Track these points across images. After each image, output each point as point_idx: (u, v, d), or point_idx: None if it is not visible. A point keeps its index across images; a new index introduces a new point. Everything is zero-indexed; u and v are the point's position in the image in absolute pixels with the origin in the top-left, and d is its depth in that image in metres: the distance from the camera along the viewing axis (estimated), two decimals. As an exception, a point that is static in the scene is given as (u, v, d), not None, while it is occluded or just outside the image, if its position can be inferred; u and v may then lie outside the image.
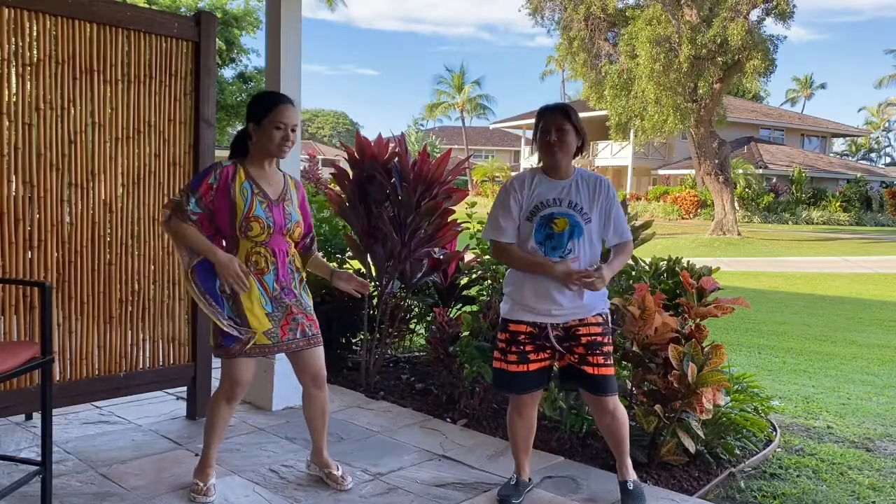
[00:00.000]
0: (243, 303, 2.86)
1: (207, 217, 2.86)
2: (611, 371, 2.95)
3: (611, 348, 2.98)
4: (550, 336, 2.92)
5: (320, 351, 3.09)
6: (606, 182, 3.00)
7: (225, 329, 2.83)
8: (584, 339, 2.91)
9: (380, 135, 4.72)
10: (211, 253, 2.80)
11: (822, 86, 62.79)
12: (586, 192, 2.93)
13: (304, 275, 3.08)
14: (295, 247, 3.04)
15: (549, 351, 2.96)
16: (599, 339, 2.93)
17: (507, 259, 3.00)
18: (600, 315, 2.97)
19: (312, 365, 3.06)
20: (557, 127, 2.88)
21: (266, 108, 2.86)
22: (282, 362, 4.15)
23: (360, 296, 3.20)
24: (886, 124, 62.07)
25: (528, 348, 2.94)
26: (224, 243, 2.89)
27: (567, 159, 2.93)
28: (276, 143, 2.86)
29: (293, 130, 2.90)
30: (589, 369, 2.91)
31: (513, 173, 47.30)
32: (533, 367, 2.96)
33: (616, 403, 2.99)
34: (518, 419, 3.08)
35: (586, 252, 2.91)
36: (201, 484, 3.01)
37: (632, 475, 3.08)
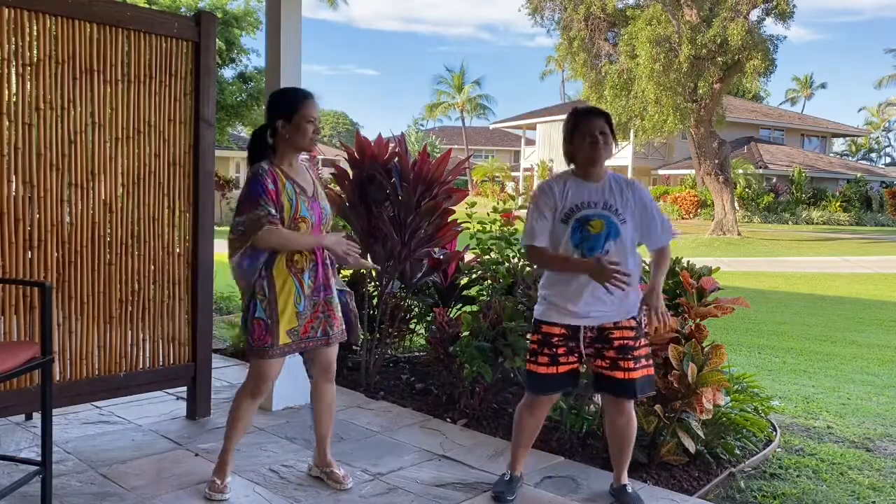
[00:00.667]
0: (279, 303, 2.86)
1: None
2: (639, 374, 2.92)
3: (645, 350, 2.97)
4: (580, 338, 2.90)
5: (336, 347, 3.11)
6: (638, 183, 3.01)
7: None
8: (616, 343, 2.90)
9: (380, 135, 4.72)
10: (317, 241, 2.88)
11: (823, 85, 62.78)
12: (619, 193, 2.92)
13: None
14: None
15: (578, 355, 2.95)
16: (631, 343, 2.91)
17: (542, 261, 2.99)
18: (634, 318, 2.94)
19: (325, 359, 3.10)
20: (600, 130, 2.88)
21: (295, 103, 2.88)
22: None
23: (363, 267, 3.15)
24: (886, 124, 62.06)
25: (560, 350, 2.93)
26: (261, 252, 2.87)
27: (603, 162, 2.93)
28: (308, 137, 2.89)
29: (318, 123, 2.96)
30: (619, 374, 2.90)
31: (513, 173, 47.16)
32: (562, 369, 2.95)
33: (632, 407, 3.01)
34: (529, 416, 3.07)
35: (624, 253, 2.89)
36: (219, 482, 3.03)
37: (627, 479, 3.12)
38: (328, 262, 3.00)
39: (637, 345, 2.93)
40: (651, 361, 3.01)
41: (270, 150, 2.92)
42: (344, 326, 3.08)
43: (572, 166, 2.99)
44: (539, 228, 2.91)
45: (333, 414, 3.20)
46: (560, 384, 3.00)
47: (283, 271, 2.87)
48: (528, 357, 3.03)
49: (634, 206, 2.92)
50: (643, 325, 2.97)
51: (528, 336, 3.05)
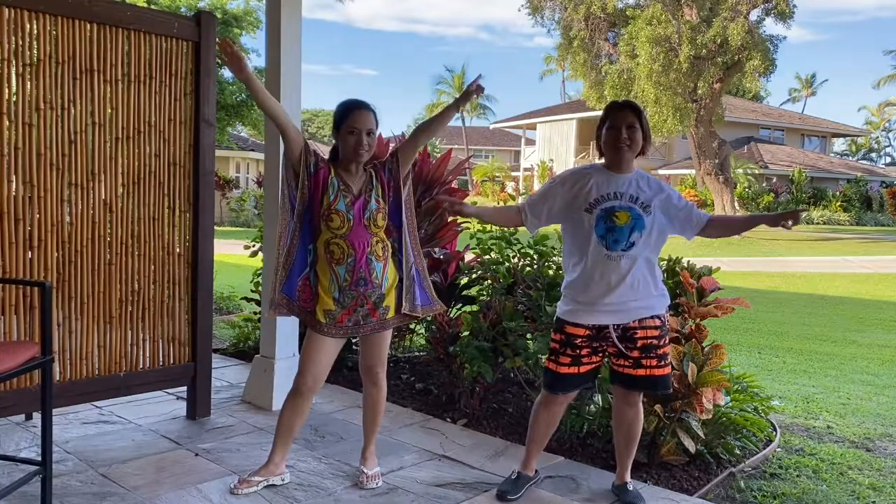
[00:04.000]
0: (320, 284, 2.95)
1: (295, 209, 2.94)
2: (662, 372, 2.94)
3: (667, 349, 2.97)
4: (613, 336, 2.89)
5: (378, 340, 3.10)
6: (666, 184, 3.03)
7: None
8: (639, 343, 2.90)
9: (380, 134, 4.72)
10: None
11: (823, 83, 62.76)
12: (647, 188, 2.92)
13: (399, 268, 3.06)
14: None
15: (601, 354, 2.95)
16: (655, 342, 2.91)
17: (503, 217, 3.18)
18: (658, 318, 2.93)
19: (367, 357, 3.14)
20: (628, 124, 2.88)
21: (341, 115, 2.95)
22: (282, 362, 4.16)
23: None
24: (886, 124, 62.06)
25: (583, 352, 2.92)
26: (308, 230, 2.96)
27: (632, 157, 2.93)
28: (350, 147, 2.92)
29: (369, 134, 2.93)
30: (641, 371, 2.91)
31: (513, 173, 47.08)
32: (584, 369, 2.95)
33: (640, 401, 3.03)
34: (545, 413, 3.07)
35: (649, 246, 2.88)
36: (255, 479, 3.09)
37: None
38: (371, 257, 2.95)
39: (661, 343, 2.92)
40: (669, 360, 3.00)
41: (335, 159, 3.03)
42: (380, 323, 3.05)
43: (603, 160, 3.00)
44: (537, 205, 2.99)
45: (377, 417, 3.22)
46: (580, 382, 3.00)
47: (323, 263, 2.95)
48: (548, 355, 3.01)
49: (663, 203, 2.92)
50: (666, 323, 2.97)
51: (552, 336, 3.01)
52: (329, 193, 2.91)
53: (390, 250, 3.04)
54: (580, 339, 2.90)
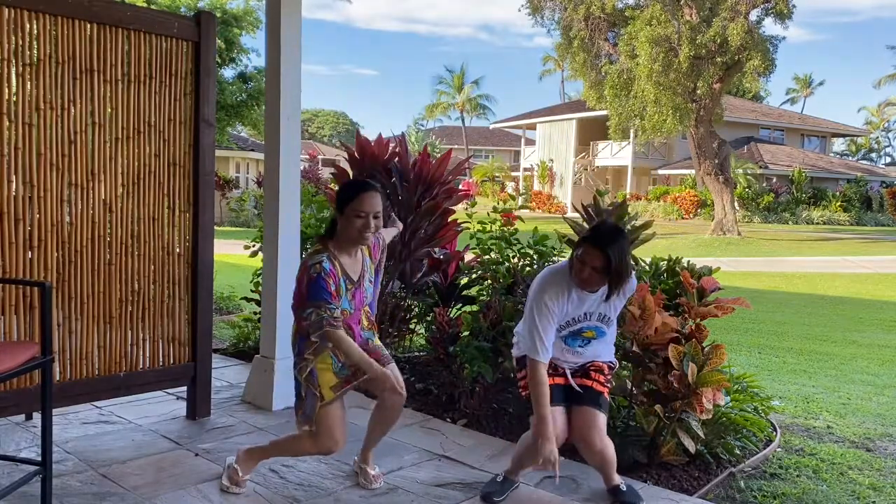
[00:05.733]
0: (319, 375, 2.95)
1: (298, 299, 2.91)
2: (606, 391, 3.10)
3: (609, 388, 3.15)
4: (567, 373, 3.09)
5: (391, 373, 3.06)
6: (632, 287, 3.09)
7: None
8: (591, 370, 3.10)
9: (380, 134, 4.73)
10: (368, 365, 2.85)
11: (822, 83, 62.79)
12: (614, 301, 3.03)
13: (375, 332, 3.20)
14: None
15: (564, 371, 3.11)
16: (605, 372, 3.12)
17: (532, 377, 2.94)
18: (607, 364, 3.15)
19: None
20: (593, 266, 2.85)
21: (348, 196, 2.87)
22: (281, 362, 4.16)
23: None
24: (886, 124, 62.06)
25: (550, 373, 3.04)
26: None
27: (601, 285, 2.95)
28: (356, 229, 2.86)
29: (376, 217, 2.88)
30: (589, 382, 3.07)
31: (513, 173, 47.03)
32: (560, 380, 3.07)
33: (605, 432, 3.07)
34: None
35: (605, 342, 3.12)
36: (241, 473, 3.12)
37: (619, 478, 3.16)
38: (363, 335, 3.08)
39: (609, 376, 3.14)
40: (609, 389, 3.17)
41: (333, 234, 2.96)
42: (387, 359, 3.10)
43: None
44: (547, 345, 2.93)
45: (394, 421, 3.17)
46: (560, 392, 3.05)
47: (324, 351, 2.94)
48: (522, 389, 3.11)
49: (620, 303, 3.10)
50: (615, 368, 3.23)
51: (518, 374, 3.14)
52: (339, 295, 2.88)
53: (368, 316, 3.15)
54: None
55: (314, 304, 2.81)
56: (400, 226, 3.53)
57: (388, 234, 3.32)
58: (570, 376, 3.09)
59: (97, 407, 4.02)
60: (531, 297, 3.00)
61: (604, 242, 2.84)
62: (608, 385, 3.13)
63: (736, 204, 26.57)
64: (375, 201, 2.87)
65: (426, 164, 4.45)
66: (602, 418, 3.02)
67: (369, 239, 2.93)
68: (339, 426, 2.95)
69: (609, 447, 3.03)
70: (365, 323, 3.11)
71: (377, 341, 3.18)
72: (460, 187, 5.35)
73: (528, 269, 4.35)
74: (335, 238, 2.93)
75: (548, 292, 2.93)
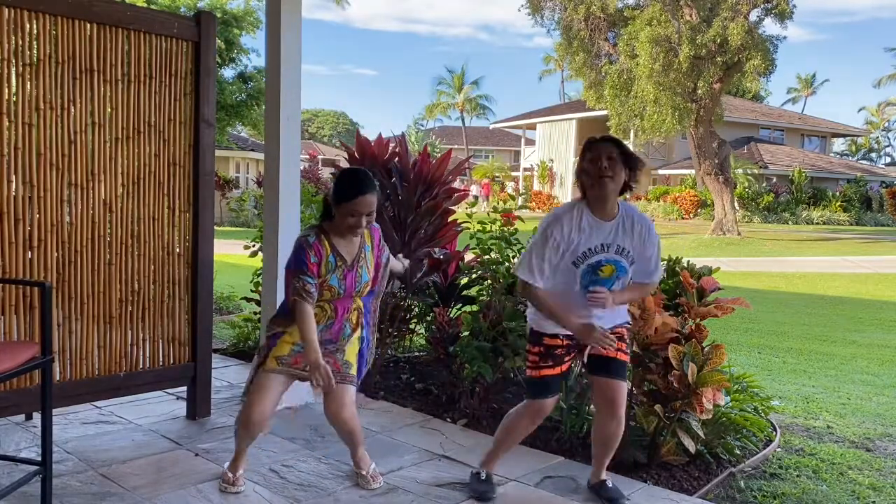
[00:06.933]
0: (278, 345, 3.02)
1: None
2: (625, 357, 3.02)
3: (627, 355, 3.05)
4: (582, 346, 2.97)
5: (343, 394, 3.05)
6: (649, 224, 2.92)
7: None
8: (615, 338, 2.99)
9: (380, 134, 4.73)
10: (314, 355, 2.84)
11: (823, 83, 62.76)
12: (631, 233, 2.87)
13: (362, 330, 3.18)
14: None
15: (577, 351, 3.01)
16: (625, 338, 3.02)
17: (534, 301, 2.93)
18: (622, 327, 3.02)
19: (331, 403, 3.08)
20: (608, 155, 2.78)
21: (346, 195, 2.89)
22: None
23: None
24: (886, 124, 62.06)
25: (565, 356, 2.98)
26: None
27: (615, 192, 2.82)
28: (348, 226, 2.93)
29: (369, 215, 2.93)
30: (614, 353, 2.95)
31: (513, 173, 47.03)
32: (565, 367, 3.02)
33: (623, 411, 3.02)
34: (528, 423, 3.06)
35: (623, 286, 2.94)
36: (231, 474, 3.12)
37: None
38: (347, 324, 3.08)
39: (627, 341, 3.04)
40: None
41: (329, 217, 3.01)
42: (343, 376, 3.09)
43: (584, 199, 2.89)
44: (539, 269, 2.86)
45: (348, 429, 3.15)
46: (564, 378, 3.07)
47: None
48: (529, 366, 3.02)
49: (639, 243, 2.90)
50: (628, 335, 3.09)
51: (528, 348, 3.03)
52: (325, 271, 2.94)
53: (360, 315, 3.15)
54: (559, 349, 2.96)
55: (290, 272, 2.92)
56: (407, 262, 3.56)
57: (395, 265, 3.34)
58: (585, 353, 2.97)
59: (97, 407, 4.02)
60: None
61: (604, 136, 2.90)
62: (628, 353, 3.06)
63: (736, 204, 26.56)
64: (370, 203, 2.92)
65: (426, 164, 4.45)
66: (626, 390, 3.05)
67: (359, 235, 3.01)
68: (267, 400, 2.97)
69: (619, 430, 3.06)
70: (353, 318, 3.11)
71: (351, 359, 3.13)
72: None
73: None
74: (332, 220, 2.99)
75: (552, 224, 2.86)
